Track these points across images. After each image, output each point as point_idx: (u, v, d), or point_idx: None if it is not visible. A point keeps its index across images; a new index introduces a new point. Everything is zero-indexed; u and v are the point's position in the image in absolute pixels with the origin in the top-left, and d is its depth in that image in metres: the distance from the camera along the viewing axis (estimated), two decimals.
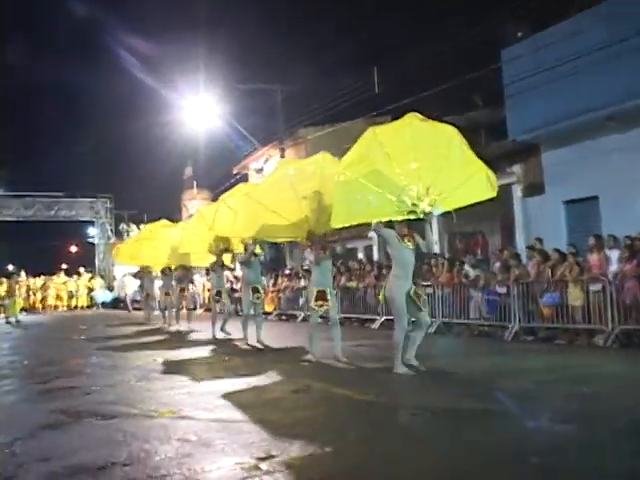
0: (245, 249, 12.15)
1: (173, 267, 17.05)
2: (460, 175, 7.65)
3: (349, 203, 7.64)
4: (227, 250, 13.64)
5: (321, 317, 9.58)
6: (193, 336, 14.54)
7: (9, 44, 56.01)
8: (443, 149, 7.63)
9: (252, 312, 12.13)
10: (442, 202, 7.58)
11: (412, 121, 7.67)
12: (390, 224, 7.80)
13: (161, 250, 17.05)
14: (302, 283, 19.30)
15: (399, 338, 7.61)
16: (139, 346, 12.43)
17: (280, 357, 10.02)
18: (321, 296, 9.19)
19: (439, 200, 7.52)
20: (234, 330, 13.09)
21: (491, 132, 18.13)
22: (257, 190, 10.74)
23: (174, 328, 16.52)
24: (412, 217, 7.52)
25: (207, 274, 19.51)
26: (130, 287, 30.55)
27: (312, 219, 9.28)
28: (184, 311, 17.60)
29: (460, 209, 7.88)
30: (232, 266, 14.53)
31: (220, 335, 13.39)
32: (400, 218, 7.57)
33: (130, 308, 28.83)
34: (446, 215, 7.99)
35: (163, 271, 17.83)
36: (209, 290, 20.26)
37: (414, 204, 7.44)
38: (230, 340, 12.84)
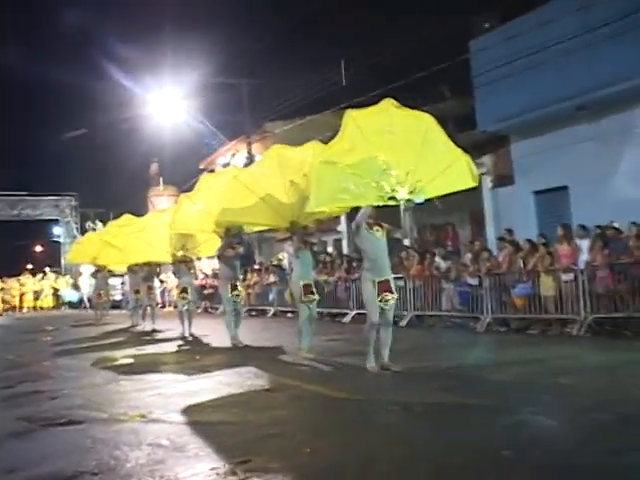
0: (222, 241, 11.33)
1: (140, 263, 16.46)
2: (440, 163, 7.50)
3: (330, 186, 7.36)
4: (185, 249, 13.37)
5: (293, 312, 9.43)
6: (162, 335, 14.27)
7: None
8: (420, 136, 7.47)
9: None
10: (422, 189, 7.42)
11: (388, 107, 7.53)
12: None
13: (119, 247, 16.43)
14: (272, 278, 19.15)
15: (368, 332, 7.50)
16: (107, 347, 12.16)
17: (252, 354, 9.82)
18: (308, 289, 9.09)
19: (419, 187, 7.37)
20: (203, 328, 12.79)
21: (459, 123, 18.09)
22: (245, 173, 10.49)
23: (142, 327, 16.14)
24: (393, 203, 7.36)
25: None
26: (85, 287, 30.27)
27: (296, 209, 9.05)
28: (149, 310, 16.69)
29: (440, 197, 7.76)
30: (193, 264, 14.05)
31: (187, 333, 13.15)
32: (381, 204, 7.36)
33: (88, 307, 28.59)
34: (418, 206, 7.82)
35: (130, 268, 17.36)
36: (177, 287, 19.89)
37: (393, 189, 7.28)
38: (200, 338, 12.64)
